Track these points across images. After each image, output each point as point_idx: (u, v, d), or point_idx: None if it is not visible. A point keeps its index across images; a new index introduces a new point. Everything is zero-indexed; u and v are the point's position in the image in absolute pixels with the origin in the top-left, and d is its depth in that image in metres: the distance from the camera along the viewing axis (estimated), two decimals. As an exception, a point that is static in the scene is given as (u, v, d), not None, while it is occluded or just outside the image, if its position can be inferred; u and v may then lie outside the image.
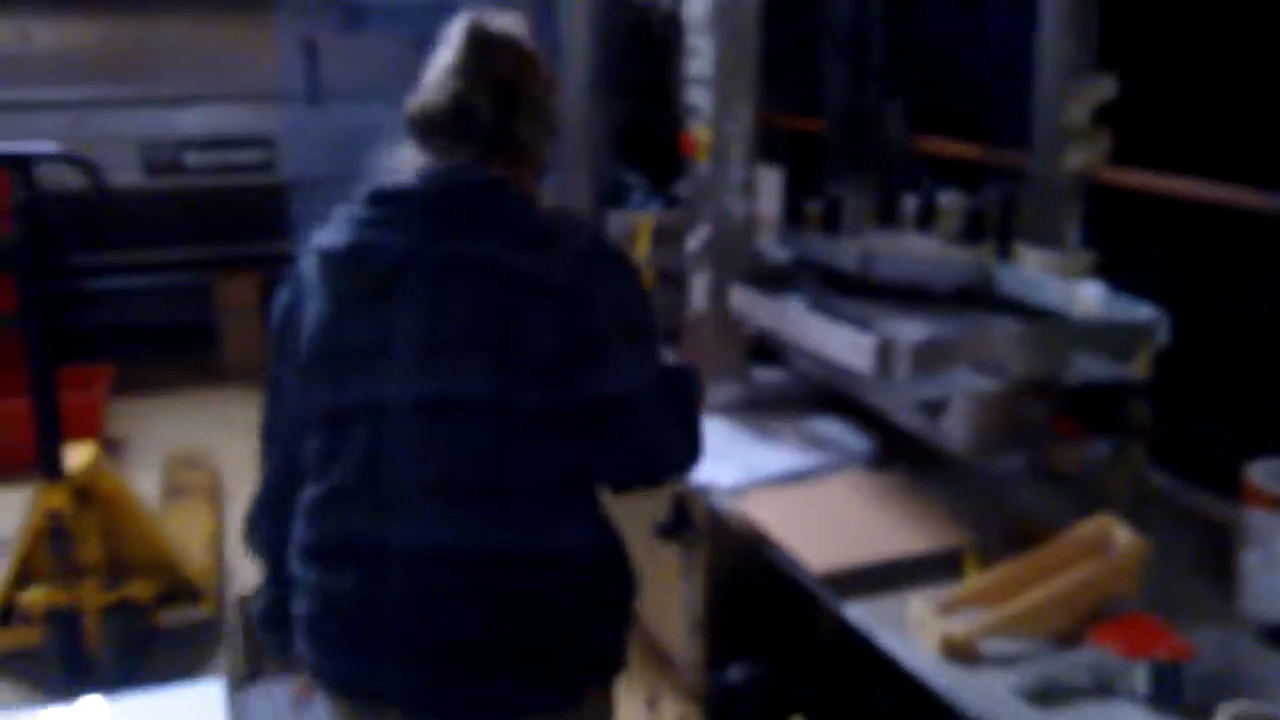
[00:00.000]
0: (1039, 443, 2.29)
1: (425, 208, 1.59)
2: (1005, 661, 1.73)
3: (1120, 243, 2.57)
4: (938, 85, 3.27)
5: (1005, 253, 2.51)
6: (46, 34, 5.81)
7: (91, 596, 3.33)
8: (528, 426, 1.54)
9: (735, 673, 2.46)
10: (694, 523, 2.55)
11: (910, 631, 1.83)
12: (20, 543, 3.37)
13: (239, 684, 2.86)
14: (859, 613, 1.90)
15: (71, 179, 3.57)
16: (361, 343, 1.58)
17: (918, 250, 2.59)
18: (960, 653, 1.74)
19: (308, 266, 1.66)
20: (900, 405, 2.36)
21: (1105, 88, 2.45)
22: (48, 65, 5.77)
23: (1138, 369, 2.09)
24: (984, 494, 2.27)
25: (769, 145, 2.96)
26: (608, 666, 1.68)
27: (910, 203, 2.76)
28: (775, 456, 2.47)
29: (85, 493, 3.34)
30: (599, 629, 1.66)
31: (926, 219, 2.70)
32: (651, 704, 2.82)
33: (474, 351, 1.53)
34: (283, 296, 1.70)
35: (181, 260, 6.18)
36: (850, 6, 3.26)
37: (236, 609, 3.25)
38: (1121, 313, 2.19)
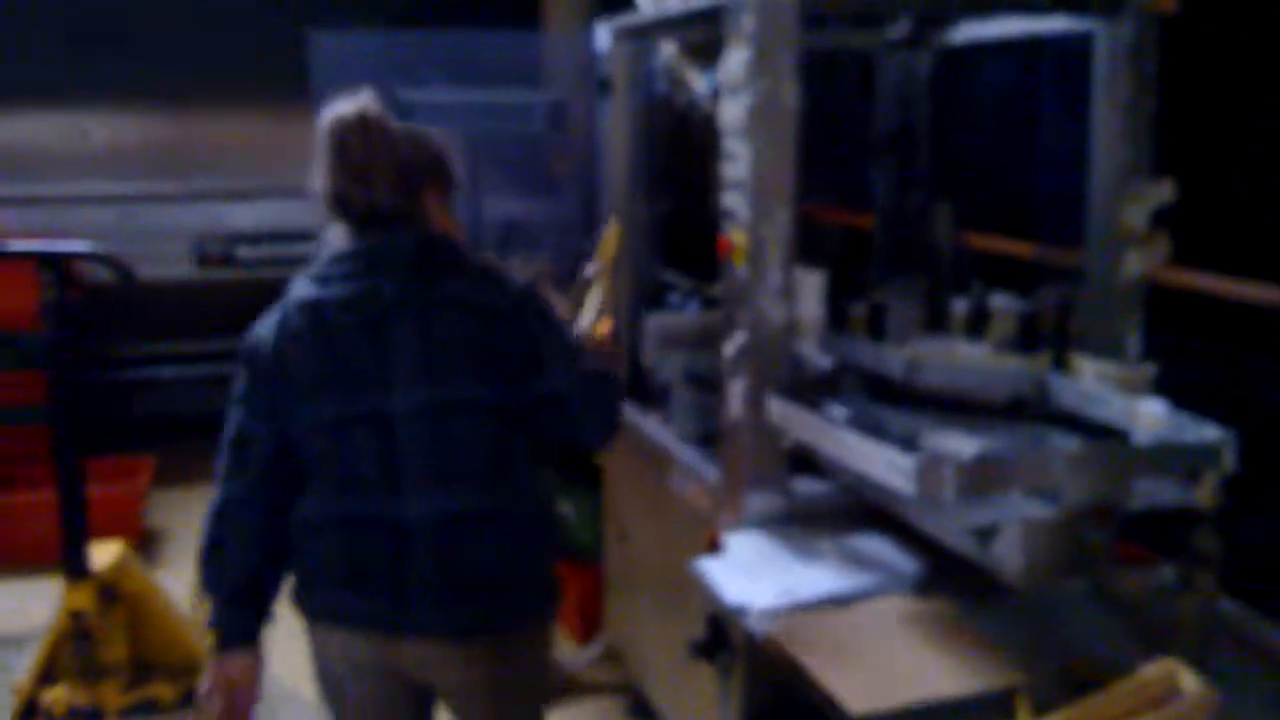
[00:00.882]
0: (1099, 569, 2.13)
1: (408, 259, 1.99)
2: (1061, 826, 1.58)
3: (1182, 350, 2.43)
4: (987, 185, 3.19)
5: (1061, 363, 2.38)
6: (102, 130, 6.00)
7: (113, 697, 3.31)
8: (501, 419, 2.04)
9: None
10: (731, 644, 2.41)
11: (955, 785, 1.68)
12: (44, 640, 3.36)
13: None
14: (900, 760, 1.75)
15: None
16: (363, 363, 1.99)
17: (968, 358, 2.47)
18: (1010, 814, 1.59)
19: (295, 311, 2.02)
20: (947, 531, 2.22)
21: (1163, 191, 2.33)
22: (104, 160, 5.94)
23: (1203, 497, 1.93)
24: (1039, 625, 2.11)
25: (815, 242, 2.87)
26: (555, 593, 2.21)
27: (960, 306, 2.65)
28: (814, 577, 2.32)
29: (111, 592, 3.32)
30: (548, 564, 2.20)
31: (977, 324, 2.59)
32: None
33: (463, 365, 2.00)
34: (266, 331, 2.07)
35: (229, 350, 6.21)
36: (895, 107, 3.19)
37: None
38: (1187, 433, 2.05)
